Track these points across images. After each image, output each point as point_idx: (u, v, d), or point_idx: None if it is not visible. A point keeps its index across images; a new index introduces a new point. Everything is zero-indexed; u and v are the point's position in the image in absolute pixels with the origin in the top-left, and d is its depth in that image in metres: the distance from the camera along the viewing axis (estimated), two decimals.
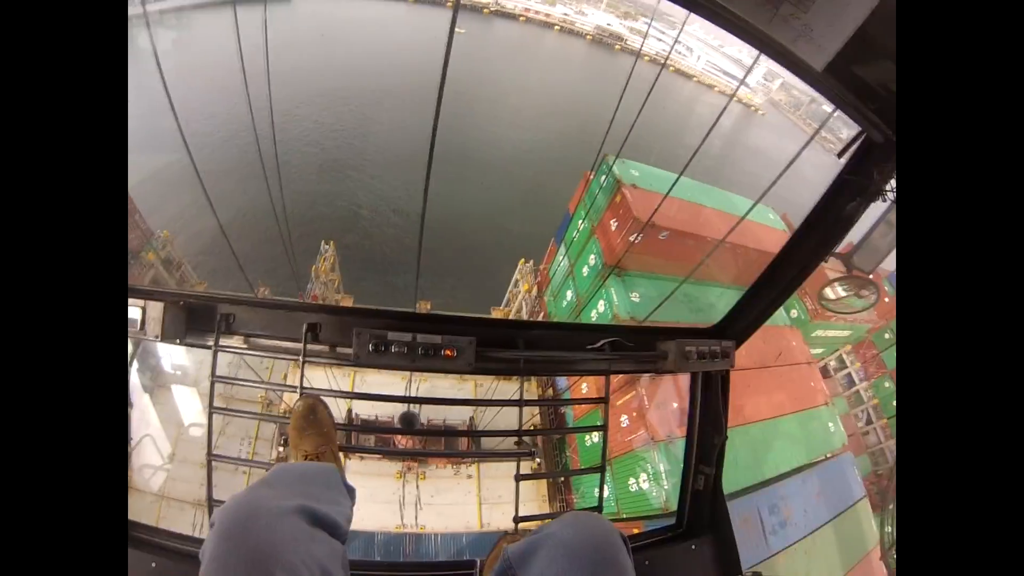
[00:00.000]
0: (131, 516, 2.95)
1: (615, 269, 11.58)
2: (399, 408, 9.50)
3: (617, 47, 46.07)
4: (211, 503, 2.20)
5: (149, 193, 16.41)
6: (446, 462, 11.84)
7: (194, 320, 2.31)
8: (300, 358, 2.00)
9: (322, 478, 1.44)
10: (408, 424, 7.48)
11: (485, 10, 43.70)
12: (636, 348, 2.25)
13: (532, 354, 2.16)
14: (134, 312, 2.33)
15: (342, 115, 27.59)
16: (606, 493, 10.78)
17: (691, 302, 12.32)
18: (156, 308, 2.27)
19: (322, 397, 1.89)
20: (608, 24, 47.06)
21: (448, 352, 1.98)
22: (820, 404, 12.94)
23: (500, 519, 11.56)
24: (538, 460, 11.85)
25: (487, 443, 10.89)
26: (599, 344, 2.19)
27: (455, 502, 11.43)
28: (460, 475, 11.89)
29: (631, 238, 11.49)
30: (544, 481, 12.12)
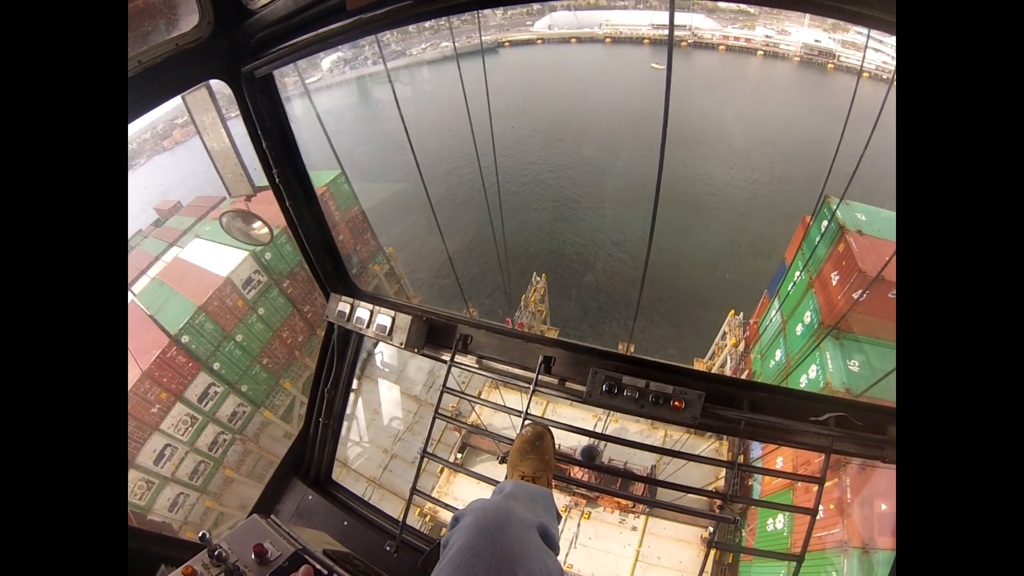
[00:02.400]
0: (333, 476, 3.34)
1: (833, 330, 9.95)
2: (580, 442, 9.50)
3: (830, 66, 40.19)
4: (414, 492, 2.51)
5: (381, 215, 19.73)
6: (615, 507, 11.30)
7: (434, 335, 2.63)
8: (531, 386, 2.13)
9: (544, 501, 1.58)
10: (590, 458, 7.46)
11: (683, 43, 42.83)
12: (864, 429, 2.07)
13: (755, 416, 2.10)
14: (384, 319, 2.75)
15: (558, 153, 28.97)
16: None
17: None
18: (404, 320, 2.64)
19: (550, 427, 1.95)
20: (816, 41, 41.40)
21: (677, 403, 1.99)
22: None
23: None
24: (744, 532, 10.48)
25: (665, 498, 10.07)
26: (824, 417, 2.08)
27: (610, 551, 10.81)
28: (625, 525, 11.21)
29: (855, 295, 9.73)
30: (703, 557, 10.61)
